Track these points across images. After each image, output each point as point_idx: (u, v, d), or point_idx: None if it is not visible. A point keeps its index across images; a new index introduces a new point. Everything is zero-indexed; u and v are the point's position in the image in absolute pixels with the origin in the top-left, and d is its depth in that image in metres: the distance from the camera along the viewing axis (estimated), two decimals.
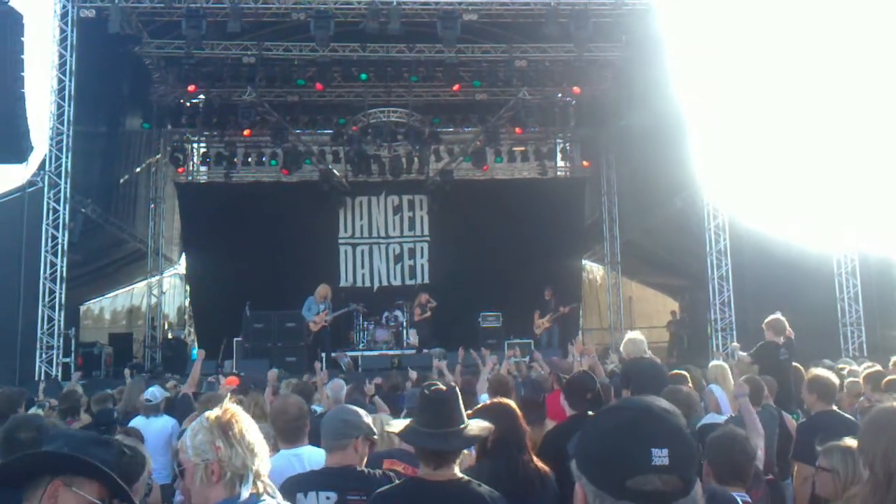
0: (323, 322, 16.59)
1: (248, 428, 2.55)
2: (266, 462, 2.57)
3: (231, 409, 2.58)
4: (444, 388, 3.49)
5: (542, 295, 18.52)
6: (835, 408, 5.63)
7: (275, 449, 4.65)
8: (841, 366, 9.47)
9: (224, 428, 2.50)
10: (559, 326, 18.04)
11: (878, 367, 7.63)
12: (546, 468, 4.11)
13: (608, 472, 1.57)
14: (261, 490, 2.50)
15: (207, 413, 2.58)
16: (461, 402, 3.47)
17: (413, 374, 9.49)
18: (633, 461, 1.54)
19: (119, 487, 2.43)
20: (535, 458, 4.11)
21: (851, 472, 3.18)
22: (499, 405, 4.22)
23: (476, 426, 3.44)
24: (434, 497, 3.23)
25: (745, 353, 9.23)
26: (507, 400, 4.47)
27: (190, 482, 2.52)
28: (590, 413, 4.66)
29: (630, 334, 7.77)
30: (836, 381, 5.94)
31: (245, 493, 2.45)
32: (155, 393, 7.54)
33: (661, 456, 1.53)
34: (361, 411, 4.12)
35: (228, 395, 6.80)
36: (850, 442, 3.19)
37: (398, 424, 3.64)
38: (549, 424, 5.32)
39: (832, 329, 15.97)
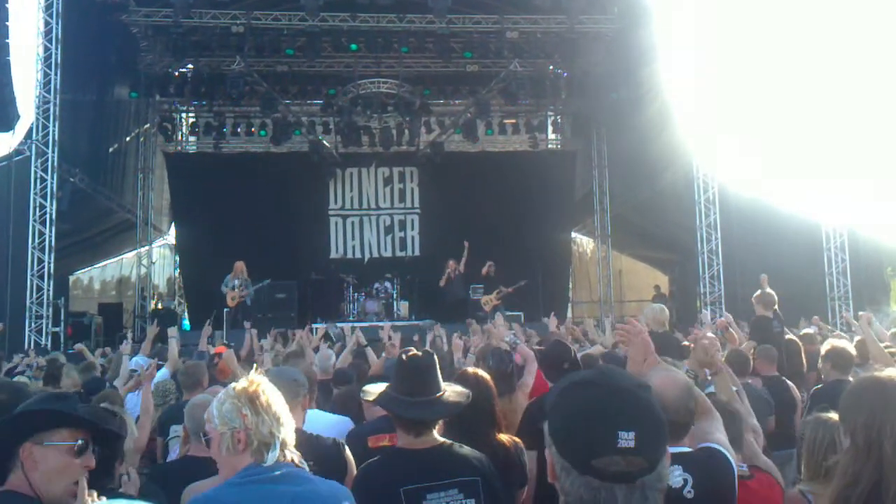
0: (239, 297, 16.63)
1: (274, 398, 2.61)
2: (291, 433, 2.63)
3: (256, 380, 2.63)
4: (421, 354, 3.41)
5: (487, 269, 18.35)
6: (850, 378, 5.72)
7: None
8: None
9: (251, 397, 2.56)
10: (524, 303, 17.97)
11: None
12: (516, 440, 4.02)
13: (574, 449, 1.59)
14: (287, 458, 2.58)
15: (233, 384, 2.65)
16: (438, 368, 3.40)
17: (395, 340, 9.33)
18: (599, 442, 1.55)
19: (89, 424, 2.60)
20: (502, 432, 4.01)
21: (815, 442, 3.24)
22: (472, 376, 4.07)
23: (454, 392, 3.37)
24: (419, 466, 3.18)
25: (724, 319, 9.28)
26: (480, 371, 4.31)
27: (216, 451, 2.59)
28: None
29: (652, 305, 8.04)
30: (853, 352, 6.15)
31: (271, 459, 2.52)
32: (140, 363, 7.53)
33: (627, 439, 1.54)
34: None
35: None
36: (830, 414, 3.22)
37: (373, 391, 3.53)
38: (521, 396, 5.28)
39: (820, 303, 16.07)
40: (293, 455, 2.62)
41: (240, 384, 2.62)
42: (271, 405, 2.58)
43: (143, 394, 5.42)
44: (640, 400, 1.63)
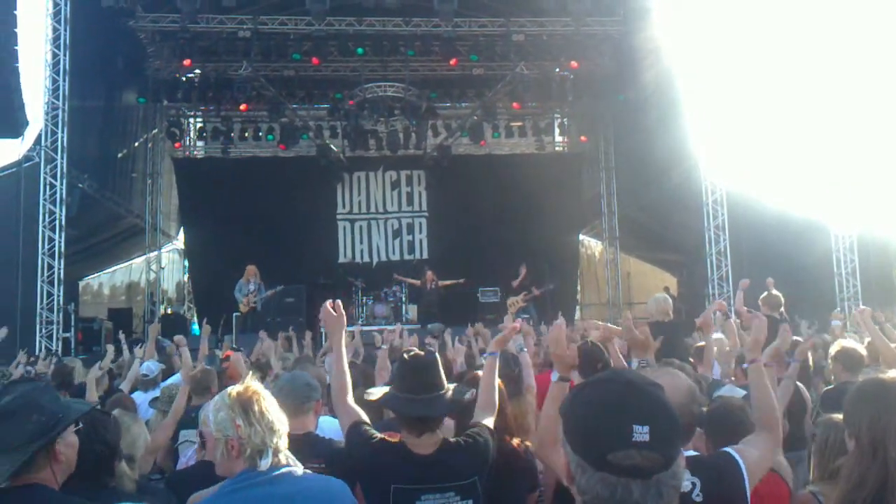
0: (251, 303, 16.64)
1: (269, 406, 2.67)
2: (285, 438, 2.69)
3: (252, 387, 2.69)
4: (423, 353, 3.44)
5: (518, 272, 18.62)
6: (860, 379, 5.70)
7: None
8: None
9: (245, 406, 2.62)
10: (535, 305, 18.00)
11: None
12: (527, 444, 4.02)
13: (590, 444, 1.60)
14: (281, 461, 2.64)
15: (229, 390, 2.70)
16: (441, 367, 3.42)
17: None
18: (615, 437, 1.57)
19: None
20: (513, 436, 4.02)
21: (826, 443, 3.25)
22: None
23: (458, 390, 3.40)
24: (418, 468, 3.19)
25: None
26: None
27: (211, 454, 2.71)
28: None
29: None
30: (864, 352, 6.06)
31: (264, 466, 2.58)
32: (151, 367, 7.55)
33: (642, 433, 1.56)
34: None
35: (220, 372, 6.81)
36: (840, 415, 3.22)
37: (377, 392, 3.58)
38: (529, 397, 5.29)
39: (830, 304, 16.00)
40: (288, 457, 2.67)
41: (235, 389, 2.67)
42: (265, 413, 2.62)
43: (178, 397, 5.36)
44: (654, 396, 1.65)
